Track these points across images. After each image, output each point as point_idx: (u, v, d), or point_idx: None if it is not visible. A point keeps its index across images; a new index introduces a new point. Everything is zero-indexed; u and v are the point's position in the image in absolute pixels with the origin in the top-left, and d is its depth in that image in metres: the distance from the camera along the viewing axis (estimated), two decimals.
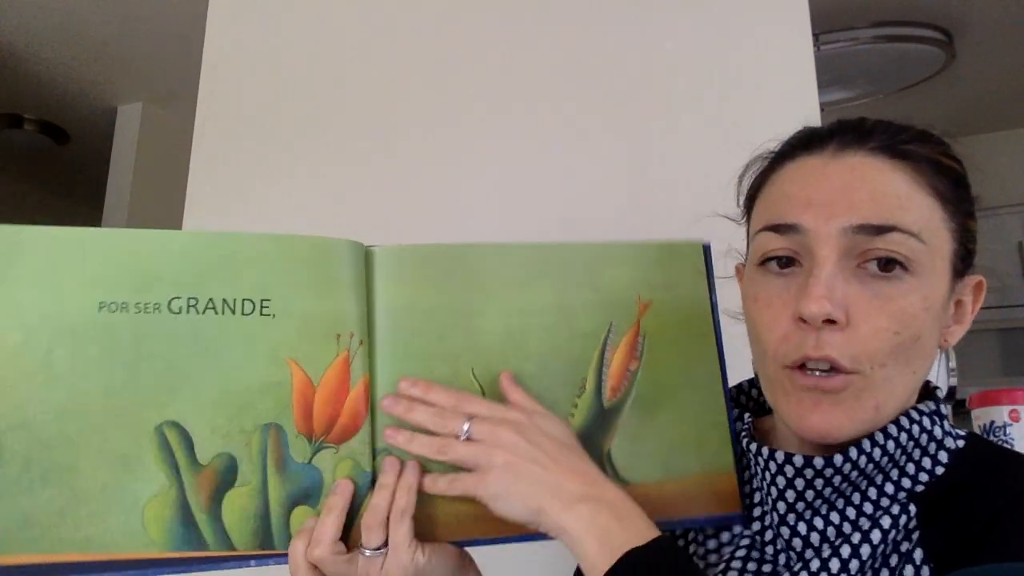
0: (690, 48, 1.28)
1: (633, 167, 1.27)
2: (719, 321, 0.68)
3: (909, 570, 0.54)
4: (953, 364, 0.61)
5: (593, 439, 0.65)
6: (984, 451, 0.60)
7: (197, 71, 1.54)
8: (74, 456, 0.57)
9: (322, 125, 1.45)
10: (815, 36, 1.25)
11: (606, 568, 0.52)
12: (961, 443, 0.59)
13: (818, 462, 0.57)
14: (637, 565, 0.52)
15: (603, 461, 0.65)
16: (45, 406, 0.57)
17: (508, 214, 1.29)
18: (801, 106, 1.20)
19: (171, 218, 1.61)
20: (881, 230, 0.55)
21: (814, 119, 1.25)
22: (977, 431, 1.00)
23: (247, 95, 1.52)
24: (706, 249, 0.69)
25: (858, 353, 0.55)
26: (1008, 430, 0.97)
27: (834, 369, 0.55)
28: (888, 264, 0.55)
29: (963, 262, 0.59)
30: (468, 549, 0.63)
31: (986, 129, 2.84)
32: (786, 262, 0.58)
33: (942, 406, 0.60)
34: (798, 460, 0.57)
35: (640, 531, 0.54)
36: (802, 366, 0.56)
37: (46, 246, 0.59)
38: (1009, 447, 0.96)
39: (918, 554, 0.55)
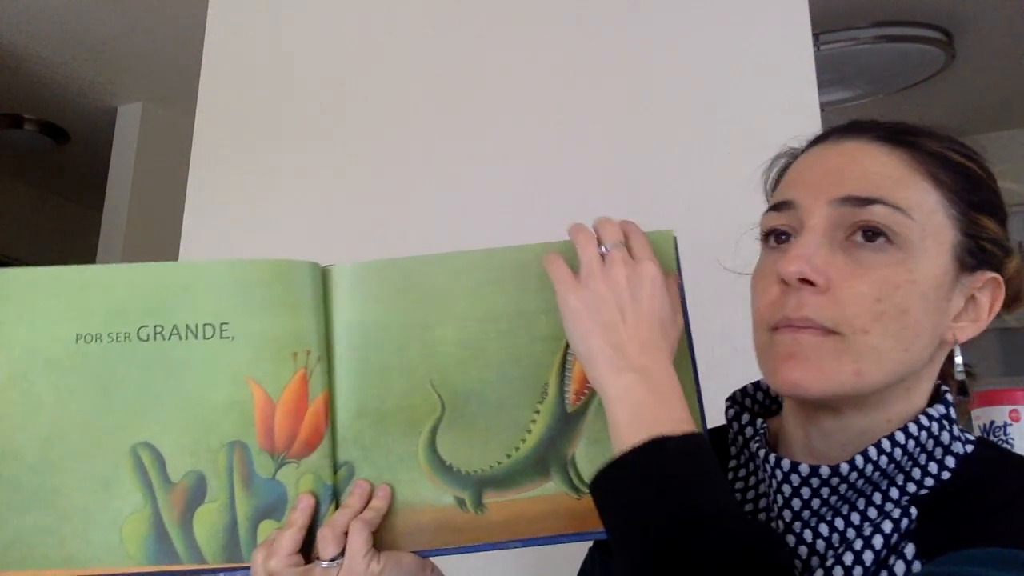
0: (690, 48, 1.28)
1: (633, 166, 1.27)
2: (688, 316, 0.64)
3: (900, 566, 0.54)
4: (959, 359, 0.60)
5: (556, 445, 0.65)
6: (990, 455, 0.59)
7: (197, 71, 1.54)
8: (58, 479, 0.61)
9: (321, 124, 1.45)
10: (815, 36, 1.25)
11: (633, 443, 0.53)
12: (970, 448, 0.59)
13: (824, 471, 0.56)
14: (665, 454, 0.52)
15: (567, 466, 0.65)
16: (31, 434, 0.61)
17: (508, 217, 1.29)
18: (801, 106, 1.20)
19: (171, 218, 1.61)
20: (866, 202, 0.56)
21: (814, 119, 1.25)
22: (977, 431, 1.00)
23: (247, 95, 1.52)
24: (675, 240, 0.66)
25: (837, 316, 0.55)
26: (1008, 430, 0.97)
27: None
28: (871, 234, 0.56)
29: (972, 256, 0.58)
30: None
31: (986, 129, 2.83)
32: (784, 237, 0.60)
33: (951, 410, 0.60)
34: (804, 469, 0.57)
35: (674, 416, 0.54)
36: (787, 327, 0.57)
37: (28, 286, 0.62)
38: (1010, 447, 0.96)
39: (909, 549, 0.55)
